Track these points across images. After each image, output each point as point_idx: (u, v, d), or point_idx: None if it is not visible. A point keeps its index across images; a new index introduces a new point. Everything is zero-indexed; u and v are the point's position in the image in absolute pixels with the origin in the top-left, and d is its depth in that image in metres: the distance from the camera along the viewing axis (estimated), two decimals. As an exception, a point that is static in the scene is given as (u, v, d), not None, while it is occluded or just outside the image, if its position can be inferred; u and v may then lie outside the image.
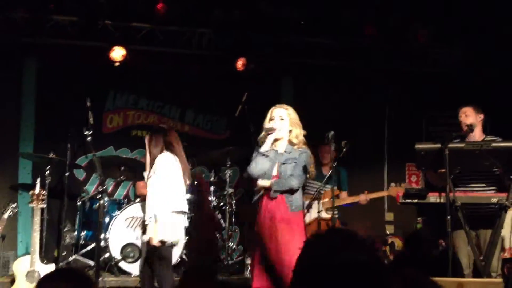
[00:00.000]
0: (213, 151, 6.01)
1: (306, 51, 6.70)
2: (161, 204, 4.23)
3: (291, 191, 3.89)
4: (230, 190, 5.86)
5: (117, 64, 6.14)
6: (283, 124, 3.97)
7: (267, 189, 3.91)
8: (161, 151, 4.38)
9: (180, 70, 6.66)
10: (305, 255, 1.32)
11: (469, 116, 4.37)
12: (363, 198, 5.45)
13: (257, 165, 3.91)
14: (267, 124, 3.97)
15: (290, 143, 4.00)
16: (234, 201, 5.92)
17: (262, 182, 3.93)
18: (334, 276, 1.24)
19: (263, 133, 4.04)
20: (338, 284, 1.23)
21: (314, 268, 1.28)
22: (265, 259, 3.86)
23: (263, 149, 3.93)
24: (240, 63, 6.45)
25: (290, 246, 3.73)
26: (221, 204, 5.88)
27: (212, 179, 5.99)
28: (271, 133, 3.92)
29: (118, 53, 6.12)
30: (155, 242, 4.17)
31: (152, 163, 4.39)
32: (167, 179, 4.30)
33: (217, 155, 5.95)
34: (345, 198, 5.53)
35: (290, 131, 4.01)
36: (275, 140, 3.99)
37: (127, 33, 6.25)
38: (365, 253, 1.28)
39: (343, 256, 1.27)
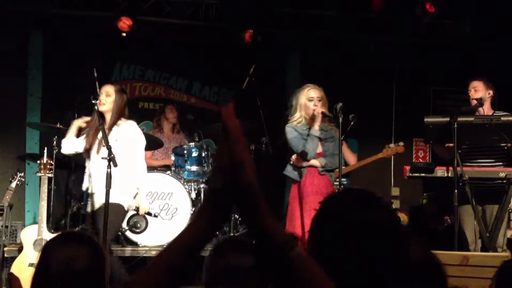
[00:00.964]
0: (219, 123, 5.98)
1: (313, 24, 6.62)
2: (144, 175, 4.26)
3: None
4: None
5: (123, 34, 6.09)
6: (321, 105, 4.16)
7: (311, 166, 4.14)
8: (121, 118, 4.19)
9: (187, 42, 6.61)
10: (320, 215, 1.31)
11: (479, 91, 4.34)
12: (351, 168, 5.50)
13: (314, 149, 4.11)
14: (315, 109, 4.12)
15: (322, 120, 4.19)
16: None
17: (315, 162, 4.15)
18: (349, 235, 1.23)
19: (300, 115, 4.18)
20: (354, 243, 1.22)
21: (329, 227, 1.26)
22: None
23: (317, 133, 4.13)
24: (247, 35, 6.38)
25: None
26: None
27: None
28: (324, 118, 4.12)
29: (124, 24, 6.06)
30: (143, 212, 4.32)
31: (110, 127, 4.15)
32: (143, 150, 4.28)
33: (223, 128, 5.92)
34: (347, 168, 5.53)
35: None
36: (311, 118, 4.18)
37: (134, 3, 6.18)
38: (381, 212, 1.26)
39: (358, 214, 1.25)
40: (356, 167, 5.52)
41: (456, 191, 3.74)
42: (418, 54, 6.85)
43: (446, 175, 3.99)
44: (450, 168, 3.92)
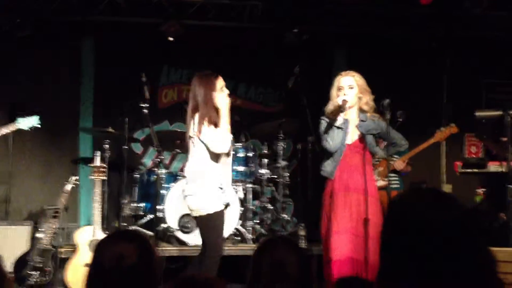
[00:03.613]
0: (265, 123, 6.00)
1: (360, 21, 6.53)
2: None
3: None
4: (284, 163, 5.86)
5: (170, 39, 6.20)
6: (352, 93, 3.95)
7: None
8: None
9: (232, 43, 6.66)
10: (394, 216, 1.32)
11: None
12: (397, 166, 5.17)
13: (334, 140, 3.94)
14: (337, 99, 3.95)
15: (361, 110, 4.01)
16: (288, 174, 5.94)
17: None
18: (425, 235, 1.24)
19: (331, 105, 4.02)
20: (430, 242, 1.23)
21: (404, 228, 1.27)
22: (343, 229, 3.89)
23: (338, 123, 3.93)
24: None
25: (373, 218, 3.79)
26: (274, 176, 5.90)
27: (265, 151, 6.01)
28: (344, 108, 3.91)
29: (171, 28, 6.17)
30: None
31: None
32: None
33: (269, 128, 5.94)
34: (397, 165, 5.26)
35: (360, 98, 3.98)
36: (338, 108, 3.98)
37: (180, 8, 6.28)
38: (456, 210, 1.27)
39: (436, 213, 1.26)
40: (408, 158, 5.24)
41: (510, 186, 3.62)
42: (469, 47, 6.65)
43: (500, 170, 3.87)
44: (504, 163, 3.80)
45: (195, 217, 4.03)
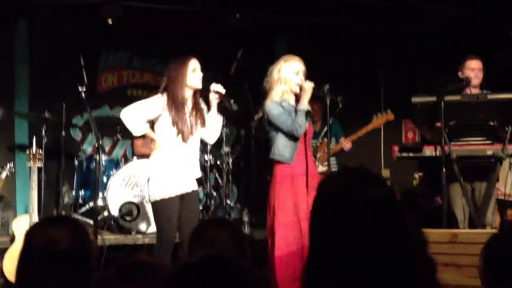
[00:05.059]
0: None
1: (301, 8, 6.58)
2: None
3: None
4: (227, 149, 5.85)
5: (110, 21, 6.03)
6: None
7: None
8: None
9: (174, 27, 6.56)
10: (321, 195, 1.32)
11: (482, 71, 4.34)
12: (344, 144, 5.30)
13: (305, 124, 3.87)
14: (306, 83, 3.87)
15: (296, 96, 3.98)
16: (231, 159, 5.94)
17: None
18: (351, 214, 1.25)
19: (281, 88, 3.92)
20: (356, 221, 1.24)
21: (331, 208, 1.28)
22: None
23: (307, 106, 3.86)
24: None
25: None
26: (218, 162, 5.90)
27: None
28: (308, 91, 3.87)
29: (110, 10, 5.99)
30: None
31: None
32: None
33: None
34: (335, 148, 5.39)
35: None
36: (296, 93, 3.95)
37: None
38: (380, 189, 1.29)
39: (359, 192, 1.27)
40: (339, 149, 5.39)
41: (444, 170, 3.77)
42: (407, 37, 6.84)
43: (434, 154, 4.01)
44: (439, 147, 3.94)
45: None
